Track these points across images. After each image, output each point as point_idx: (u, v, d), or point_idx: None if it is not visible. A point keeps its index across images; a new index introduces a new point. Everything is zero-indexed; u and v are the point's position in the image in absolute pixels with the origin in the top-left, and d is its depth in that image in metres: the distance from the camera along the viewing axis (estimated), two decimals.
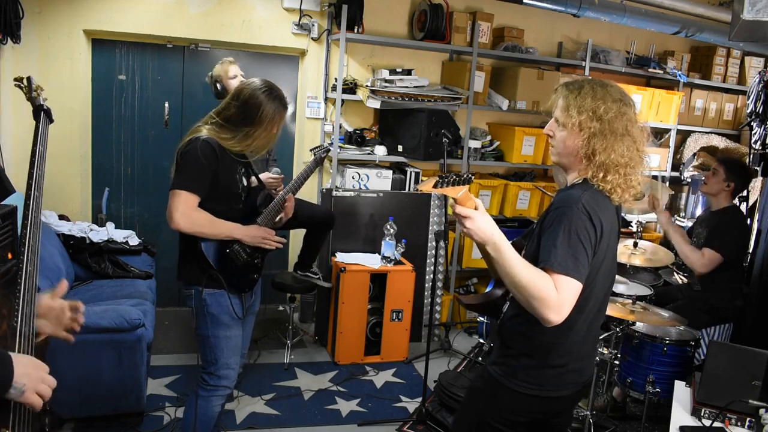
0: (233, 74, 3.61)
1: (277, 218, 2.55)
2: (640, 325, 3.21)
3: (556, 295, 1.54)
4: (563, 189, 1.78)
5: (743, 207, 4.12)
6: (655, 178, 3.76)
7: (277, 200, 2.54)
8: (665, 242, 5.14)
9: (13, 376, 1.25)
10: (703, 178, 3.67)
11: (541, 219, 1.72)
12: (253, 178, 2.55)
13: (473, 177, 1.71)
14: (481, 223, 1.55)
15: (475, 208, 1.58)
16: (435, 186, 1.61)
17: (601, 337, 3.13)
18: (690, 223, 4.93)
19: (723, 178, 3.51)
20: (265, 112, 2.30)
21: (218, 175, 2.28)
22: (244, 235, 2.36)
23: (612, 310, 2.92)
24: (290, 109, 4.80)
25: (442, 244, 3.89)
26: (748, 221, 3.98)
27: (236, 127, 2.31)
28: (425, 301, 4.55)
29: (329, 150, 2.84)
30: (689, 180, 5.41)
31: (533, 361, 1.74)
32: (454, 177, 1.61)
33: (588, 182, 1.70)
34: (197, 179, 2.24)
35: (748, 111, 4.14)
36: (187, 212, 2.21)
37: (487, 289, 1.99)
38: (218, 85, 3.60)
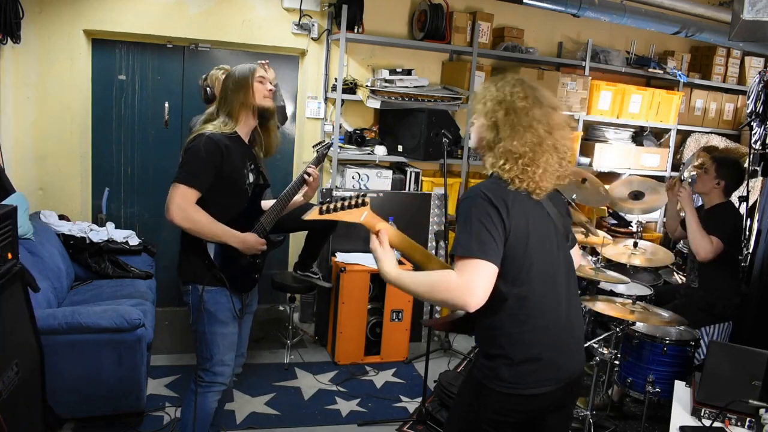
0: None
1: (302, 195, 2.57)
2: (640, 325, 3.21)
3: (457, 279, 1.62)
4: None
5: (743, 207, 4.12)
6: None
7: (296, 180, 2.54)
8: (665, 242, 5.15)
9: None
10: (694, 177, 3.70)
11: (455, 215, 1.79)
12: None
13: (366, 198, 1.69)
14: (384, 268, 1.73)
15: (378, 235, 1.73)
16: (321, 213, 1.60)
17: (601, 337, 3.13)
18: None
19: (714, 176, 3.56)
20: (236, 73, 2.39)
21: (222, 170, 2.28)
22: (240, 243, 2.35)
23: (612, 310, 2.92)
24: (290, 109, 4.80)
25: (442, 244, 3.90)
26: (749, 222, 3.99)
27: (230, 105, 2.37)
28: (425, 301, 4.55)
29: (331, 145, 2.83)
30: (689, 180, 5.40)
31: (506, 359, 1.74)
32: (341, 202, 1.61)
33: (494, 176, 1.78)
34: (198, 174, 2.25)
35: (748, 111, 4.13)
36: (183, 205, 2.22)
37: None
38: (208, 90, 3.57)
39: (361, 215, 1.63)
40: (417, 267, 1.86)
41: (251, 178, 2.43)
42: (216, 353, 2.41)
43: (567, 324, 1.82)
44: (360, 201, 1.61)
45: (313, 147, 2.76)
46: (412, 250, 1.83)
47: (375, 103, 4.32)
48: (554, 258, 1.79)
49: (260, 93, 2.40)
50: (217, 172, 2.28)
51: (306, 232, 3.81)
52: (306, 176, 2.54)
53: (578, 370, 1.87)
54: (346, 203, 1.59)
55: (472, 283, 1.61)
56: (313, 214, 1.61)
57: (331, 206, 1.59)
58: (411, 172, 4.56)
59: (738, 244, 3.49)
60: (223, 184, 2.31)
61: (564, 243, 1.85)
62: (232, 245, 2.34)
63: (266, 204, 2.57)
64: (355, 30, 4.32)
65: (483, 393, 1.79)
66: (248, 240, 2.37)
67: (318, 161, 2.65)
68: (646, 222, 5.35)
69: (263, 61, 2.55)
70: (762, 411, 2.08)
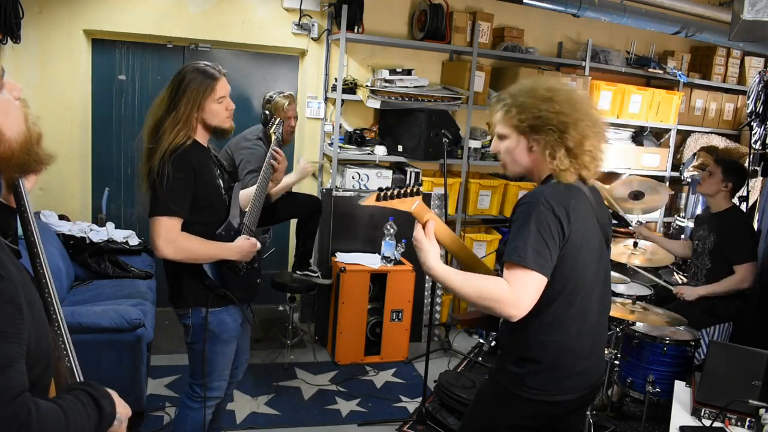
0: (293, 114, 3.60)
1: (272, 182, 2.48)
2: (640, 325, 3.21)
3: (508, 290, 1.58)
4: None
5: (743, 207, 4.13)
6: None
7: (265, 169, 2.44)
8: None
9: (116, 410, 1.26)
10: (699, 179, 3.68)
11: (510, 217, 1.75)
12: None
13: (421, 188, 1.71)
14: (427, 261, 1.66)
15: (425, 226, 1.68)
16: (378, 199, 1.62)
17: None
18: (691, 224, 4.93)
19: (720, 178, 3.51)
20: (190, 84, 2.15)
21: (198, 188, 2.15)
22: (237, 254, 2.25)
23: (612, 310, 2.92)
24: None
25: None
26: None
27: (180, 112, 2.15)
28: (425, 301, 4.55)
29: (282, 122, 2.73)
30: (689, 180, 5.41)
31: (535, 364, 1.73)
32: (397, 190, 1.62)
33: (551, 179, 1.74)
34: (176, 199, 2.10)
35: (748, 111, 4.14)
36: (170, 238, 2.08)
37: None
38: (267, 114, 3.44)
39: (413, 204, 1.65)
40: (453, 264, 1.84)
41: (223, 184, 2.31)
42: (216, 369, 2.36)
43: (597, 330, 1.81)
44: (414, 191, 1.65)
45: (267, 128, 2.70)
46: (457, 248, 1.81)
47: (375, 103, 4.32)
48: (596, 267, 1.76)
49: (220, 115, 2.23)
50: (193, 193, 2.14)
51: (295, 233, 3.80)
52: (273, 161, 2.45)
53: (603, 373, 1.87)
54: (402, 191, 1.63)
55: (522, 296, 1.58)
56: (369, 200, 1.64)
57: (388, 194, 1.62)
58: (411, 172, 4.56)
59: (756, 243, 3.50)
60: (201, 203, 2.18)
61: (605, 251, 1.82)
62: (229, 259, 2.25)
63: (243, 197, 2.45)
64: (355, 30, 4.32)
65: (508, 399, 1.77)
66: (243, 247, 2.27)
67: (278, 142, 2.57)
68: (646, 222, 5.34)
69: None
70: (762, 411, 2.08)
